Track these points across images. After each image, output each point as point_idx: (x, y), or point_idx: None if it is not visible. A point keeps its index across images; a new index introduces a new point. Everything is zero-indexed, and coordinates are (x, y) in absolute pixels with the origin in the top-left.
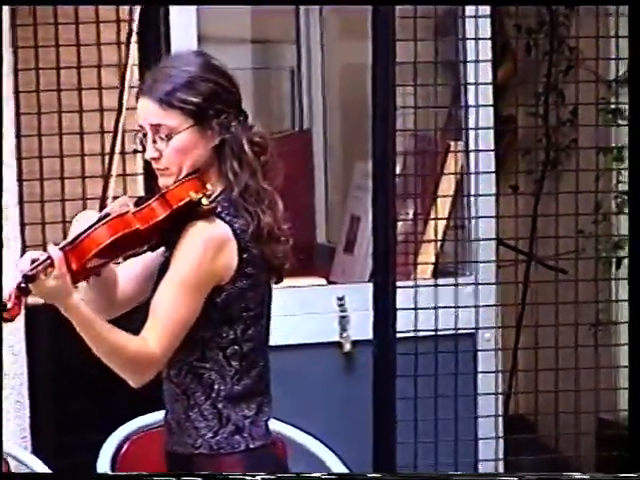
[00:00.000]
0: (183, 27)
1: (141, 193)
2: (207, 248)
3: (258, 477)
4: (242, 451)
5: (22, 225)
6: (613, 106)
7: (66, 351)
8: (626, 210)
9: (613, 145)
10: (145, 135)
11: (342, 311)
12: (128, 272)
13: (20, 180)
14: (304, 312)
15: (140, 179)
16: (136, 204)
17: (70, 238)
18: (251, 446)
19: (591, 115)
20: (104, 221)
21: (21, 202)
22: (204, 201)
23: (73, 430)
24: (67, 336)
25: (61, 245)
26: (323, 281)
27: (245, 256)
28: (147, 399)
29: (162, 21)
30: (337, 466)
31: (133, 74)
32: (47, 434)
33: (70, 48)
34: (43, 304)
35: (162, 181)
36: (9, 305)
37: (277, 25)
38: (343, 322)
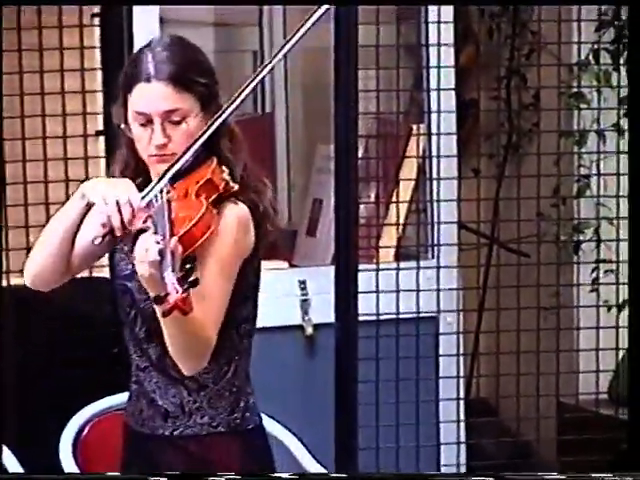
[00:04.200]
0: (145, 10)
1: (102, 175)
2: (240, 227)
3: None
4: (255, 427)
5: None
6: (575, 90)
7: (28, 333)
8: (588, 193)
9: (575, 129)
10: (146, 123)
11: (304, 294)
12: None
13: None
14: (266, 296)
15: (102, 162)
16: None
17: (183, 230)
18: (257, 423)
19: (553, 99)
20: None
21: None
22: (231, 183)
23: (36, 412)
24: (29, 318)
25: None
26: (285, 264)
27: (257, 233)
28: (108, 382)
29: (124, 4)
30: (298, 449)
31: (95, 58)
32: (10, 417)
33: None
34: (6, 286)
35: (163, 167)
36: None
37: (239, 8)
38: (305, 305)
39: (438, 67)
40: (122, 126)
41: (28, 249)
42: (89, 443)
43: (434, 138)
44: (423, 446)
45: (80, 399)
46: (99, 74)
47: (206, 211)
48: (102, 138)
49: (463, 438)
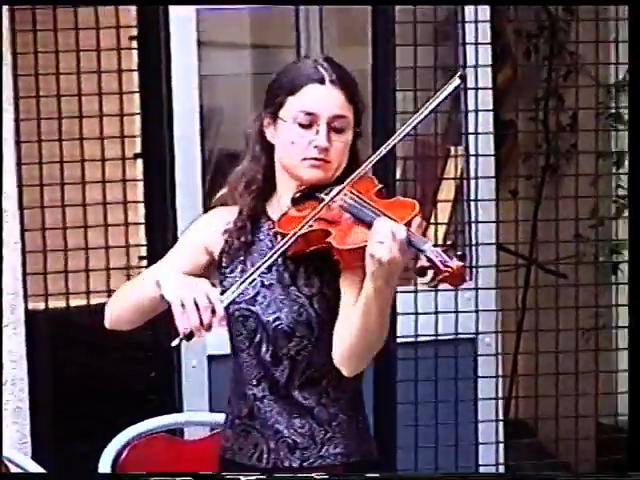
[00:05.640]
0: (182, 32)
1: (141, 198)
2: None
3: (253, 477)
4: (377, 458)
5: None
6: (613, 111)
7: (66, 356)
8: (625, 214)
9: (613, 150)
10: (309, 125)
11: None
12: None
13: (20, 186)
14: None
15: (140, 184)
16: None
17: (411, 215)
18: (376, 454)
19: (591, 120)
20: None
21: (21, 208)
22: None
23: (73, 436)
24: (67, 341)
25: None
26: None
27: None
28: (145, 405)
29: (162, 26)
30: None
31: (133, 81)
32: (47, 440)
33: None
34: (44, 309)
35: (315, 173)
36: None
37: (277, 30)
38: None
39: (476, 88)
40: (251, 134)
41: (66, 271)
42: (127, 466)
43: (472, 159)
44: (462, 467)
45: (118, 422)
46: (137, 97)
47: (419, 211)
48: (140, 161)
49: (502, 459)
